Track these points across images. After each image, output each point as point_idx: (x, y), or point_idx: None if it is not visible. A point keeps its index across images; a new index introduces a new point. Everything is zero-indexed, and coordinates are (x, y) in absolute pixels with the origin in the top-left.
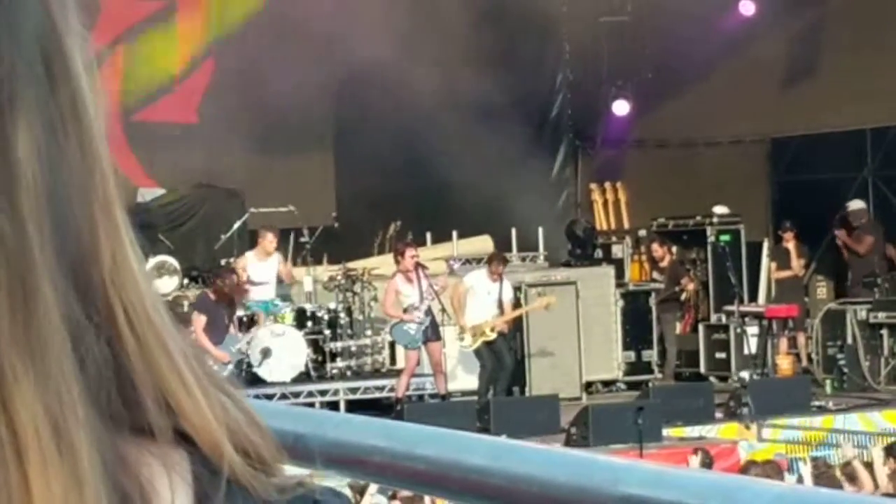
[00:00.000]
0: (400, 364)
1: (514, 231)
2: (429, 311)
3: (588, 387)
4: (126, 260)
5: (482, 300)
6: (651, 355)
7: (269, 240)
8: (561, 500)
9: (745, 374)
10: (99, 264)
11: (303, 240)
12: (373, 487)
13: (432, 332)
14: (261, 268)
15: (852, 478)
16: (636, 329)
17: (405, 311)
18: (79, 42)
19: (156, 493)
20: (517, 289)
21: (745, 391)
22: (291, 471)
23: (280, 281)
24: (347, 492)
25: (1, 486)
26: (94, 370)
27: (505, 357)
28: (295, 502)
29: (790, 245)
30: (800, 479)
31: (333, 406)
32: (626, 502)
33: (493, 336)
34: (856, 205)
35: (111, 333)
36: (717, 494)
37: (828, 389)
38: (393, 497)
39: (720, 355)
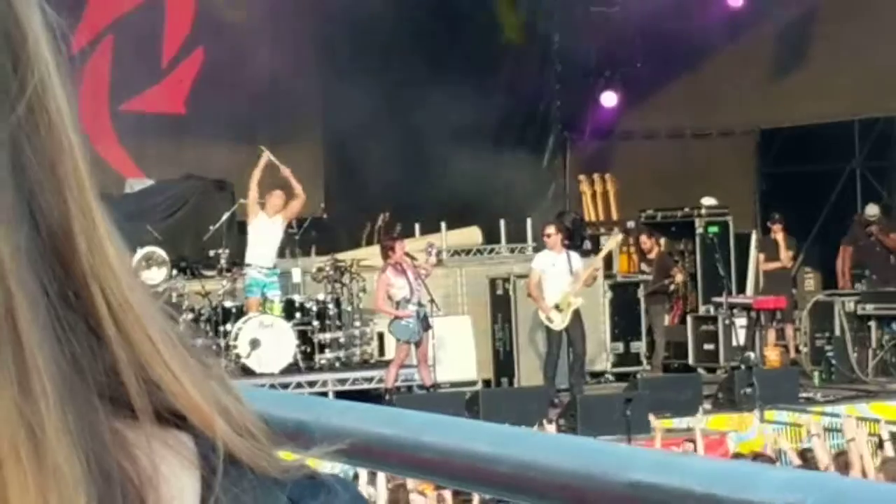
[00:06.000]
0: (388, 355)
1: (502, 222)
2: (419, 302)
3: None
4: (101, 247)
5: (553, 275)
6: (640, 347)
7: (276, 195)
8: (568, 486)
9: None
10: (76, 252)
11: (291, 231)
12: (363, 478)
13: (424, 323)
14: (265, 225)
15: (846, 466)
16: (625, 320)
17: (398, 304)
18: (44, 28)
19: (160, 475)
20: (505, 280)
21: (746, 376)
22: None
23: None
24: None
25: None
26: (80, 361)
27: (577, 343)
28: (300, 483)
29: (778, 236)
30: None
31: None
32: (633, 488)
33: (579, 302)
34: (872, 210)
35: (93, 322)
36: (723, 480)
37: (816, 381)
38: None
39: (708, 347)
